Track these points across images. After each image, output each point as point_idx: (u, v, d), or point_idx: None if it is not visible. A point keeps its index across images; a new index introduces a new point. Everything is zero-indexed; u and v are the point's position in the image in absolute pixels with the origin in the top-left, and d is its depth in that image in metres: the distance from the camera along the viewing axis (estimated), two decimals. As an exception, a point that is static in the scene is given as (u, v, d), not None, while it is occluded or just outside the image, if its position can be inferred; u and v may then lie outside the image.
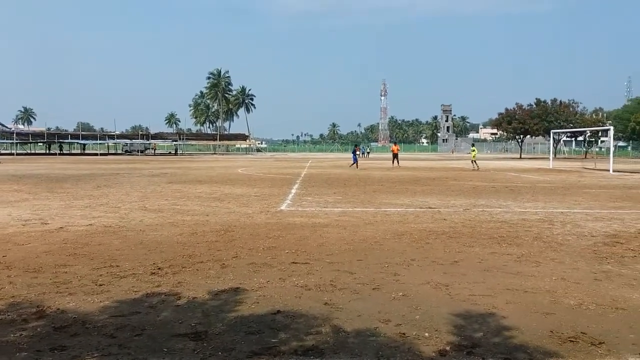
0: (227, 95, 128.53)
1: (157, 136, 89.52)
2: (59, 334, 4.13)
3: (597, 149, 71.55)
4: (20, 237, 8.26)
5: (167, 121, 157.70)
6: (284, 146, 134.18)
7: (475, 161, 32.72)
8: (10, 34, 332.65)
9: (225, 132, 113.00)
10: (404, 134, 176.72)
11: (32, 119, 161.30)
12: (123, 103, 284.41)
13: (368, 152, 71.30)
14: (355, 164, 33.61)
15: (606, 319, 4.51)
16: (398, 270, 6.19)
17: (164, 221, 9.91)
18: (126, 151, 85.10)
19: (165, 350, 3.82)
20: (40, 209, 11.65)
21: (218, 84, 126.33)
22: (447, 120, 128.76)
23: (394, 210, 11.77)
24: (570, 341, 3.99)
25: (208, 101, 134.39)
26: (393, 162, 36.25)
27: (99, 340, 4.00)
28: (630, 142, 77.76)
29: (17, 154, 70.25)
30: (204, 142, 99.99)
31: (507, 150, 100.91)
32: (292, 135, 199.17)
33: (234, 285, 5.49)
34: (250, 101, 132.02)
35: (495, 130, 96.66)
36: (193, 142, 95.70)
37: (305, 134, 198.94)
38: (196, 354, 3.76)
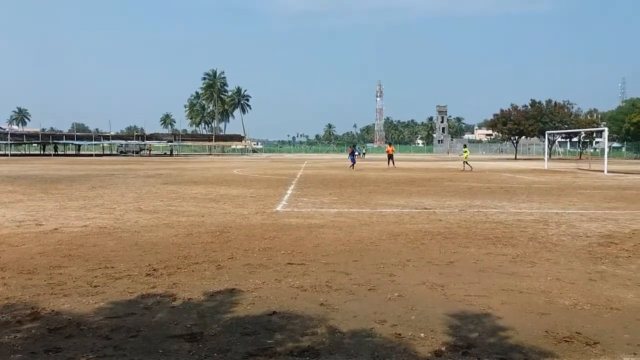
0: (222, 96, 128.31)
1: (152, 137, 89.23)
2: (53, 335, 4.11)
3: (592, 150, 71.93)
4: (14, 238, 8.22)
5: (162, 122, 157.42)
6: (280, 147, 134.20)
7: (467, 162, 32.81)
8: (3, 34, 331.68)
9: (221, 133, 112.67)
10: (400, 134, 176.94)
11: (26, 120, 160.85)
12: (118, 104, 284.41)
13: (364, 153, 71.34)
14: (352, 165, 33.62)
15: (601, 319, 4.52)
16: (394, 270, 6.20)
17: (159, 222, 9.89)
18: (121, 152, 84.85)
19: (161, 351, 3.81)
20: (34, 210, 11.59)
21: (213, 84, 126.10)
22: (442, 121, 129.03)
23: (389, 211, 11.78)
24: (565, 341, 4.01)
25: (203, 102, 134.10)
26: (388, 162, 36.29)
27: (94, 341, 3.98)
28: (625, 143, 78.08)
29: (12, 155, 69.93)
30: (200, 143, 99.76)
31: (502, 151, 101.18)
32: (288, 136, 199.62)
33: (230, 286, 5.48)
34: (246, 102, 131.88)
35: (490, 131, 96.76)
36: (188, 143, 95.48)
37: (301, 135, 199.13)
38: (192, 355, 3.75)
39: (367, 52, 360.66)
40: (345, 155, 67.87)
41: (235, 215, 10.84)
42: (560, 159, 66.33)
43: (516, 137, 68.92)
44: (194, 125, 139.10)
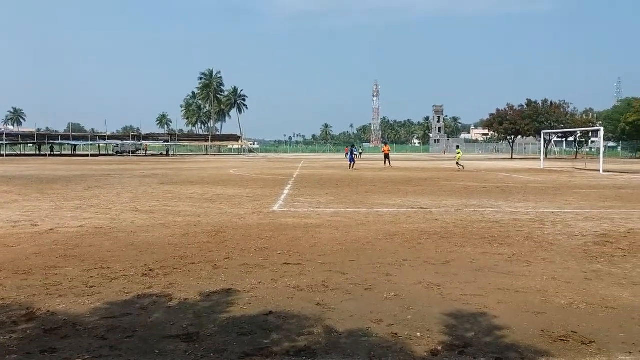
0: (219, 95, 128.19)
1: (148, 137, 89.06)
2: (49, 336, 4.09)
3: (588, 150, 72.06)
4: (9, 238, 8.19)
5: (158, 122, 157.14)
6: (277, 147, 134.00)
7: (457, 162, 32.92)
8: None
9: (217, 133, 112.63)
10: (396, 134, 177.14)
11: (21, 120, 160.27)
12: (114, 104, 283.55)
13: (360, 153, 71.44)
14: (350, 165, 33.61)
15: (596, 318, 4.54)
16: (390, 270, 6.20)
17: (155, 222, 9.87)
18: (117, 152, 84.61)
19: (157, 352, 3.80)
20: (30, 211, 11.56)
21: (210, 84, 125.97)
22: (439, 121, 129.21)
23: (386, 210, 11.79)
24: (561, 340, 4.02)
25: (200, 102, 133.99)
26: (385, 162, 36.32)
27: (89, 342, 3.97)
28: (620, 142, 78.43)
29: (7, 155, 69.68)
30: (196, 143, 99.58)
31: (498, 151, 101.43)
32: (285, 136, 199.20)
33: (226, 287, 5.48)
34: (243, 102, 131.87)
35: (486, 131, 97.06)
36: (185, 143, 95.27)
37: (297, 135, 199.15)
38: (188, 355, 3.74)
39: (364, 52, 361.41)
40: (342, 155, 68.01)
41: (232, 215, 10.83)
42: (556, 158, 66.52)
43: (512, 136, 69.11)
44: (190, 125, 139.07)
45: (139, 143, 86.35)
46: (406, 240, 8.12)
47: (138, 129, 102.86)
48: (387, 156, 37.06)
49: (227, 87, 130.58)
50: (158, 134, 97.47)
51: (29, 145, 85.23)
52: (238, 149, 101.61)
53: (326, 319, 4.47)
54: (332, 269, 6.25)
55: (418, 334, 4.15)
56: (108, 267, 6.29)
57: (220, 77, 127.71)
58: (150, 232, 8.83)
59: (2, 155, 68.28)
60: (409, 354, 3.77)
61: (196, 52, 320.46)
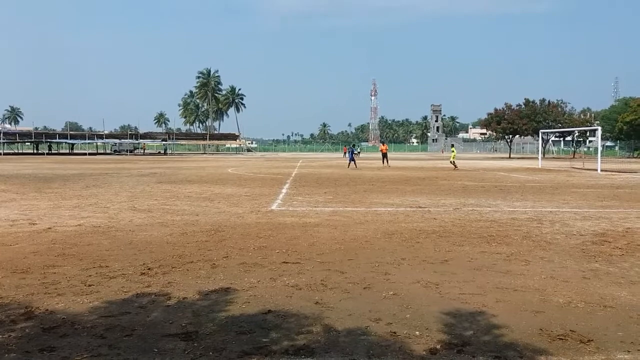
0: (216, 94, 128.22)
1: (146, 136, 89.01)
2: (48, 334, 4.09)
3: (585, 149, 72.26)
4: (7, 237, 8.18)
5: (156, 121, 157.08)
6: (275, 146, 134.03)
7: (452, 161, 32.97)
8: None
9: (215, 132, 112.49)
10: (394, 133, 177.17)
11: (19, 119, 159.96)
12: (112, 103, 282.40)
13: (358, 152, 71.43)
14: (350, 163, 33.60)
15: (595, 317, 4.55)
16: (389, 269, 6.21)
17: (153, 221, 9.86)
18: (115, 151, 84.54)
19: (156, 350, 3.80)
20: (28, 209, 11.53)
21: (207, 83, 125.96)
22: (437, 120, 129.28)
23: (384, 209, 11.80)
24: (560, 339, 4.03)
25: (197, 101, 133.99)
26: (383, 161, 36.34)
27: (88, 340, 3.97)
28: (618, 142, 78.50)
29: (4, 154, 69.52)
30: (194, 142, 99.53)
31: (496, 150, 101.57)
32: (283, 135, 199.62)
33: (225, 285, 5.48)
34: (240, 101, 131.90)
35: (484, 130, 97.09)
36: (183, 142, 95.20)
37: (295, 134, 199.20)
38: (187, 354, 3.74)
39: (359, 52, 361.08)
40: (340, 155, 68.00)
41: (230, 214, 10.83)
42: (554, 157, 66.64)
43: (510, 136, 69.16)
44: (188, 124, 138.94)
45: (137, 142, 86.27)
46: (405, 239, 8.13)
47: (136, 127, 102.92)
48: (385, 155, 37.08)
49: (225, 86, 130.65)
50: (156, 132, 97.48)
51: (27, 144, 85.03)
52: (236, 148, 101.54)
53: (325, 318, 4.47)
54: (331, 267, 6.26)
55: (417, 332, 4.15)
56: (106, 266, 6.29)
57: (218, 76, 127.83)
58: (148, 231, 8.82)
59: (0, 154, 68.12)
60: (407, 352, 3.77)
61: (194, 51, 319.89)
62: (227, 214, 10.95)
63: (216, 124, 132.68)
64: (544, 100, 66.82)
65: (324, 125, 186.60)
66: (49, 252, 7.10)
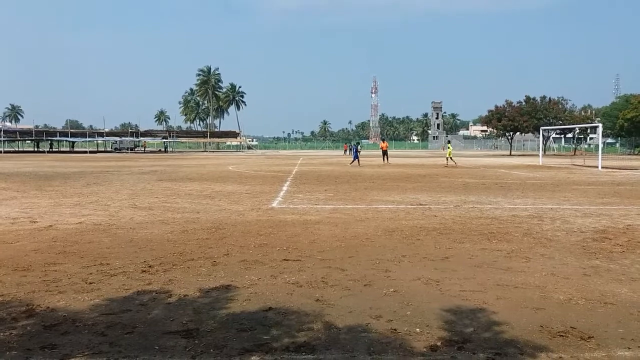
0: (217, 92, 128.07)
1: (146, 134, 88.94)
2: (49, 332, 4.10)
3: (586, 146, 72.18)
4: (8, 235, 8.19)
5: (156, 119, 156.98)
6: (275, 144, 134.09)
7: (451, 158, 32.99)
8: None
9: (216, 130, 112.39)
10: (395, 131, 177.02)
11: (19, 117, 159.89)
12: (112, 101, 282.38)
13: (359, 150, 71.37)
14: (353, 162, 33.58)
15: (595, 314, 4.55)
16: (389, 266, 6.21)
17: (154, 219, 9.87)
18: (115, 149, 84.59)
19: (157, 348, 3.81)
20: (29, 207, 11.54)
21: (208, 81, 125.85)
22: (437, 118, 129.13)
23: (385, 207, 11.80)
24: (560, 336, 4.03)
25: (198, 98, 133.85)
26: (383, 159, 36.33)
27: (89, 338, 3.98)
28: (619, 138, 78.51)
29: (5, 152, 69.55)
30: (194, 140, 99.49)
31: (497, 147, 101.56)
32: (283, 132, 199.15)
33: (225, 283, 5.48)
34: (241, 98, 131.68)
35: (485, 128, 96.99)
36: (183, 140, 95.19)
37: (296, 132, 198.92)
38: (188, 351, 3.75)
39: (360, 50, 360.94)
40: (341, 152, 67.96)
41: (231, 212, 10.83)
42: (554, 154, 66.57)
43: (511, 133, 69.13)
44: (188, 122, 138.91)
45: (137, 140, 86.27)
46: (405, 236, 8.13)
47: (136, 125, 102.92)
48: (385, 152, 37.07)
49: (225, 84, 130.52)
50: (156, 130, 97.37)
51: (27, 141, 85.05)
52: (237, 145, 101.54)
53: (325, 315, 4.48)
54: (332, 265, 6.26)
55: (417, 329, 4.16)
56: (107, 264, 6.29)
57: (219, 74, 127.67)
58: (149, 228, 8.83)
59: (0, 152, 68.18)
60: (408, 349, 3.78)
61: (194, 50, 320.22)
62: (228, 211, 10.96)
63: (217, 121, 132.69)
64: (544, 97, 66.77)
65: (325, 122, 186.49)
66: (49, 249, 7.11)
